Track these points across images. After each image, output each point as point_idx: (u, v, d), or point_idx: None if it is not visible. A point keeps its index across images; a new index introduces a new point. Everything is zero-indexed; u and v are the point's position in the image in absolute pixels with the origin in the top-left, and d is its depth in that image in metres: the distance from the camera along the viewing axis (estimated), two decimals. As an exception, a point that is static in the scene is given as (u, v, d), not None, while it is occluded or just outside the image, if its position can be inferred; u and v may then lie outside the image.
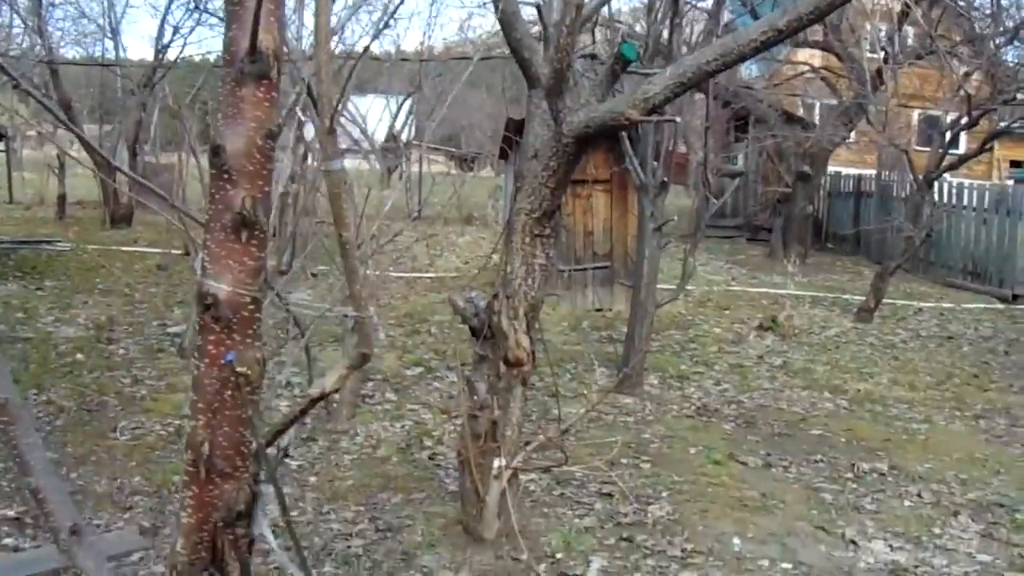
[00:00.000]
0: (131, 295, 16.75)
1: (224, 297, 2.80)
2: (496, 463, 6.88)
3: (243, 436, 2.91)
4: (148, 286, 17.88)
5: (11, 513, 7.70)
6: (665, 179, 11.52)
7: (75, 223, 27.63)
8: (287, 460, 8.18)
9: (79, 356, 12.47)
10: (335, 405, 10.39)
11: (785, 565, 6.84)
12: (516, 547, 6.77)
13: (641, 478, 8.55)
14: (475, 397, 7.07)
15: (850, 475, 8.95)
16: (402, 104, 33.46)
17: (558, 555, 6.93)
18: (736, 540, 7.26)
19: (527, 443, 7.18)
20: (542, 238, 6.64)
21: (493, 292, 6.94)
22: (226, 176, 2.75)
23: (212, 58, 32.22)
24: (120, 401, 10.57)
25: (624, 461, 8.95)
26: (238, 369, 2.75)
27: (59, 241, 23.49)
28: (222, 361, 2.77)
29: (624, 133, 11.70)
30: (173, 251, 20.33)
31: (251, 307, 2.85)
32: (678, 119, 10.57)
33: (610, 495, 8.06)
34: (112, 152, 27.15)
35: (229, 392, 2.85)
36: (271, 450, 3.52)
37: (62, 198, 28.60)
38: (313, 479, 8.66)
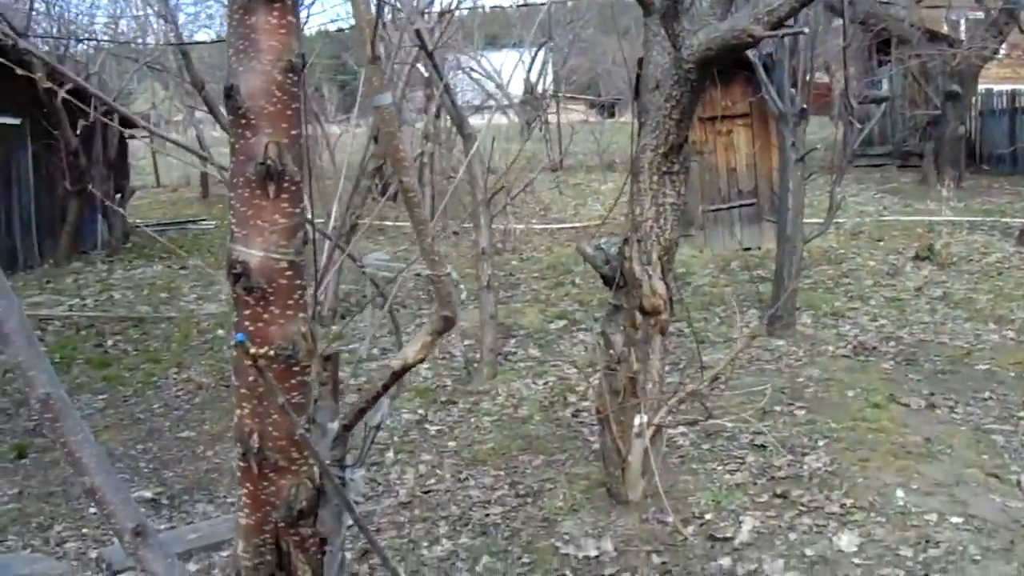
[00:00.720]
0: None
1: (256, 264, 2.36)
2: (637, 420, 6.43)
3: (303, 425, 2.52)
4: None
5: (148, 494, 7.60)
6: (804, 106, 10.86)
7: (219, 201, 28.00)
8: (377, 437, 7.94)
9: (220, 332, 12.45)
10: (475, 365, 10.10)
11: (955, 519, 6.22)
12: (662, 509, 6.34)
13: (796, 427, 8.02)
14: (611, 351, 6.65)
15: (1023, 414, 8.25)
16: (535, 55, 33.04)
17: (707, 516, 6.48)
18: (900, 492, 6.66)
19: (672, 395, 6.72)
20: (671, 175, 6.15)
21: (624, 237, 6.48)
22: (244, 121, 2.30)
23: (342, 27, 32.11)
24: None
25: (777, 409, 8.42)
26: (252, 350, 2.32)
27: (203, 220, 23.80)
28: (237, 340, 2.35)
29: (759, 61, 11.07)
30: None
31: (289, 273, 2.42)
32: (806, 29, 9.87)
33: (763, 447, 7.55)
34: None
35: (273, 375, 2.45)
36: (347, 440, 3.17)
37: (205, 178, 28.98)
38: (452, 444, 8.38)
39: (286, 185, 2.31)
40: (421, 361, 2.99)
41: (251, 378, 2.41)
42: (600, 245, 6.68)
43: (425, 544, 6.48)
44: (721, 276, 14.61)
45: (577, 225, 20.14)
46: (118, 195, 19.65)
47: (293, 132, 2.31)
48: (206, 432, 8.94)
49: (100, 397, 10.19)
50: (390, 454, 8.16)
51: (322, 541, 2.73)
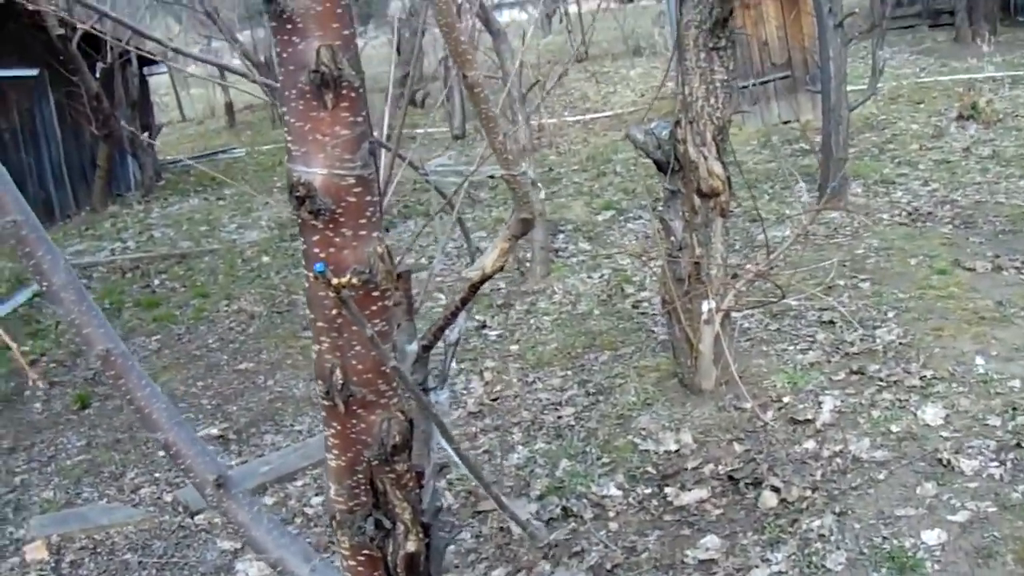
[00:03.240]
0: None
1: (320, 183, 2.12)
2: (705, 306, 6.27)
3: (384, 354, 2.33)
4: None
5: (215, 431, 7.55)
6: (840, -32, 10.49)
7: (246, 128, 27.88)
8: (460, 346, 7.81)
9: (265, 259, 12.36)
10: (528, 265, 9.96)
11: (1039, 384, 6.05)
12: (738, 395, 6.20)
13: (862, 299, 7.82)
14: (672, 238, 6.46)
15: (1093, 265, 8.01)
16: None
17: (785, 399, 6.33)
18: (979, 359, 6.47)
19: (735, 278, 6.54)
20: (718, 51, 5.89)
21: (675, 119, 6.24)
22: (290, 26, 2.06)
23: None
24: (309, 298, 10.37)
25: (841, 283, 8.22)
26: (334, 281, 2.12)
27: (233, 148, 23.67)
28: (316, 270, 2.14)
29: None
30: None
31: (358, 190, 2.20)
32: None
33: (832, 323, 7.37)
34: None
35: (352, 302, 2.25)
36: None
37: (230, 106, 28.79)
38: (515, 347, 8.27)
39: (345, 92, 2.10)
40: (501, 269, 2.81)
41: (330, 310, 2.24)
42: (651, 130, 6.45)
43: (500, 453, 6.38)
44: (763, 152, 14.31)
45: (610, 113, 19.82)
46: (145, 133, 19.48)
47: (346, 32, 2.09)
48: (264, 361, 8.86)
49: (154, 338, 10.12)
50: (453, 364, 8.03)
51: (419, 475, 2.57)
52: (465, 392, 7.51)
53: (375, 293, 2.27)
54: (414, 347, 2.92)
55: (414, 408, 3.00)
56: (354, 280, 2.15)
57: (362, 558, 2.59)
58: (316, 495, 6.22)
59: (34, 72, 17.27)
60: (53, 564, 5.97)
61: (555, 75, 13.33)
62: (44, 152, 17.66)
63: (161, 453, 7.22)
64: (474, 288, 2.80)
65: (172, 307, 11.04)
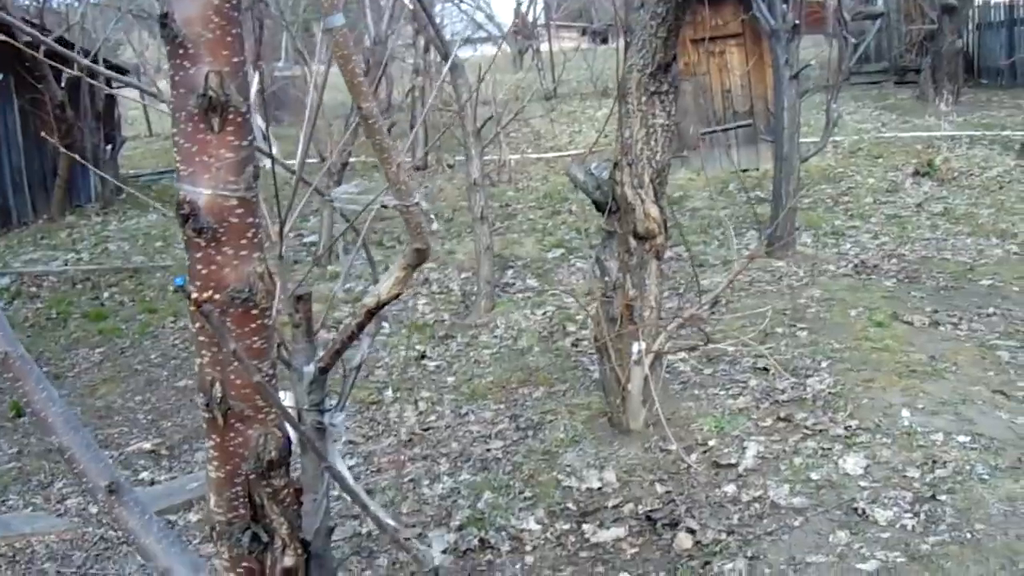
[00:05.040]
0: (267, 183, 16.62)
1: (205, 203, 2.18)
2: (635, 347, 6.33)
3: (260, 371, 2.38)
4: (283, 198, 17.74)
5: (147, 446, 7.53)
6: (797, 22, 10.64)
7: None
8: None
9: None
10: (472, 298, 10.01)
11: (962, 438, 6.08)
12: (664, 437, 6.25)
13: (798, 348, 7.90)
14: (606, 278, 6.53)
15: (1028, 328, 8.12)
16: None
17: (710, 442, 6.39)
18: (905, 412, 6.53)
19: (671, 321, 6.61)
20: (659, 95, 5.97)
21: (614, 161, 6.32)
22: (183, 50, 2.12)
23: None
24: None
25: (779, 331, 8.31)
26: (193, 295, 2.17)
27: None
28: (176, 284, 2.20)
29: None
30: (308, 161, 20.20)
31: (240, 211, 2.26)
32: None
33: (765, 370, 7.43)
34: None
35: (230, 320, 2.30)
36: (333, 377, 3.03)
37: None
38: (451, 379, 8.31)
39: (231, 117, 2.15)
40: (396, 297, 2.86)
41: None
42: (591, 170, 6.53)
43: (426, 482, 6.41)
44: (718, 198, 14.45)
45: (572, 153, 19.92)
46: (108, 146, 19.44)
47: (235, 60, 2.15)
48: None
49: (97, 351, 10.10)
50: (389, 392, 8.09)
51: (297, 491, 2.61)
52: (398, 420, 7.53)
53: (254, 311, 2.32)
54: (311, 368, 2.96)
55: (307, 425, 3.05)
56: (228, 296, 2.20)
57: (241, 570, 2.62)
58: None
59: (-1, 76, 17.23)
60: (-34, 571, 5.93)
61: (514, 111, 13.46)
62: (4, 158, 17.55)
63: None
64: (370, 313, 2.85)
65: (119, 320, 11.02)
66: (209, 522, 2.60)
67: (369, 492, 6.31)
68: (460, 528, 5.72)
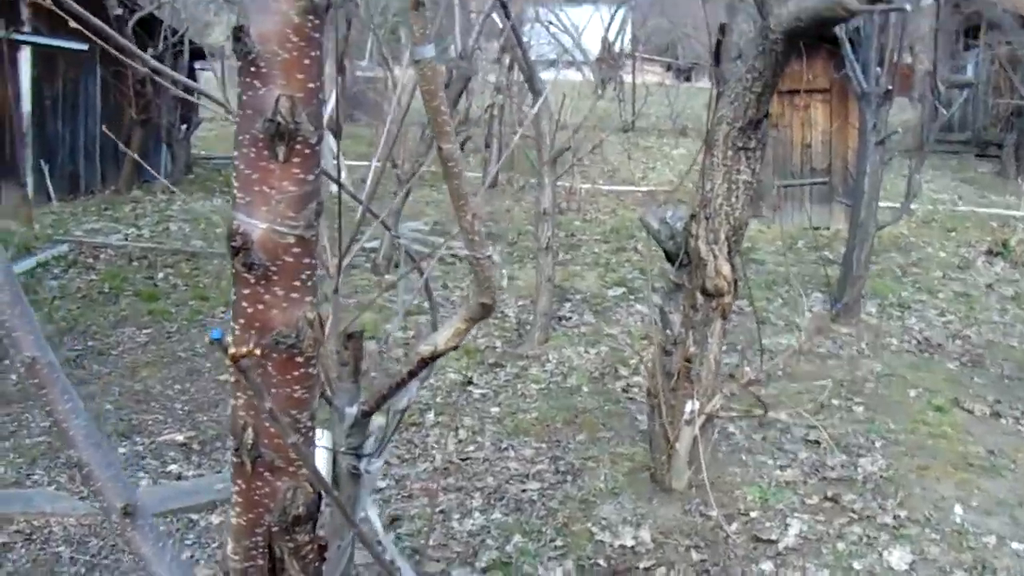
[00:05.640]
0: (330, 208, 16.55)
1: (259, 237, 2.03)
2: (689, 406, 6.13)
3: (298, 422, 2.21)
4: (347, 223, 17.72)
5: (180, 438, 7.41)
6: (890, 87, 10.39)
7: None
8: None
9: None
10: (528, 328, 9.84)
11: (1016, 545, 5.84)
12: (706, 502, 6.04)
13: (853, 424, 7.67)
14: (668, 331, 6.33)
15: (1096, 429, 7.82)
16: (615, 13, 32.49)
17: (752, 513, 6.16)
18: (958, 508, 6.28)
19: (727, 382, 6.41)
20: (747, 151, 5.78)
21: (691, 212, 6.13)
22: (254, 68, 1.96)
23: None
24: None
25: (835, 403, 8.07)
26: (230, 350, 2.01)
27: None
28: (211, 337, 2.01)
29: (846, 37, 10.60)
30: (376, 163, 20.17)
31: (296, 250, 2.09)
32: (908, 6, 9.35)
33: (817, 443, 7.21)
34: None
35: (272, 366, 2.13)
36: (379, 419, 2.85)
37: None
38: (496, 410, 8.13)
39: (299, 147, 1.99)
40: (453, 349, 2.68)
41: (259, 369, 2.13)
42: (666, 219, 6.34)
43: (457, 516, 6.23)
44: (787, 254, 14.18)
45: (644, 189, 19.71)
46: (184, 126, 19.51)
47: (311, 85, 1.98)
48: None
49: (144, 331, 10.01)
50: (431, 415, 7.92)
51: (322, 548, 2.43)
52: (436, 446, 7.36)
53: (299, 359, 2.15)
54: (354, 410, 2.79)
55: (341, 472, 2.88)
56: (256, 350, 2.03)
57: None
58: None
59: (85, 47, 17.31)
60: (-16, 545, 5.84)
61: (591, 143, 13.28)
62: (81, 126, 17.67)
63: (122, 450, 7.13)
64: (423, 363, 2.68)
65: (170, 303, 10.95)
66: (224, 567, 2.43)
67: (397, 519, 6.16)
68: (485, 570, 5.55)
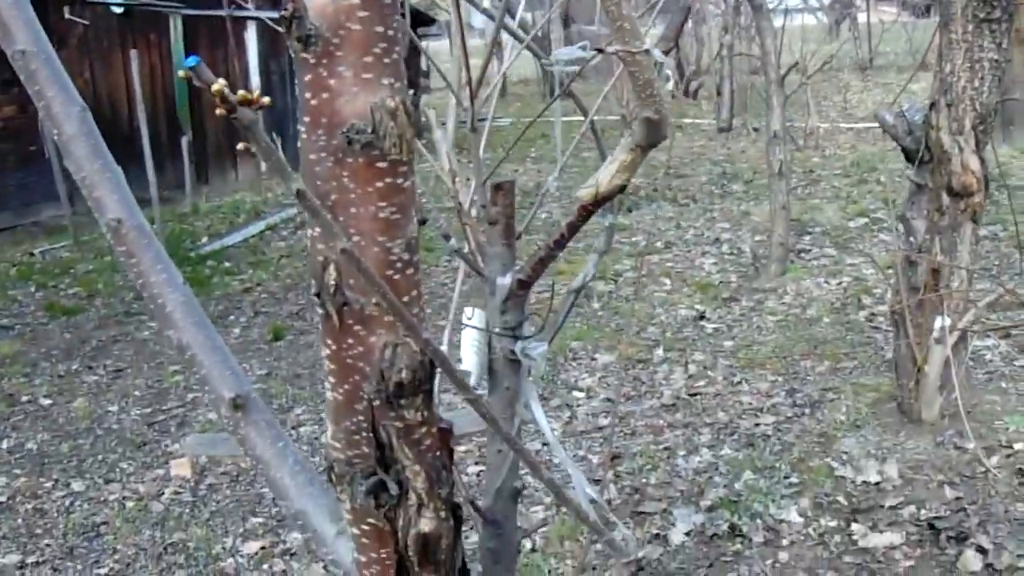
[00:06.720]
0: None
1: (316, 3, 1.53)
2: (938, 322, 5.39)
3: (392, 252, 1.66)
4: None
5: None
6: None
7: (516, 99, 28.09)
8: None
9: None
10: (763, 261, 9.20)
11: None
12: (961, 432, 5.29)
13: None
14: (911, 239, 5.63)
15: None
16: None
17: (1016, 446, 5.36)
18: None
19: (983, 296, 5.64)
20: (990, 23, 4.98)
21: (930, 101, 5.38)
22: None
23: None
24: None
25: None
26: (215, 87, 1.36)
27: (499, 118, 23.79)
28: (185, 65, 1.41)
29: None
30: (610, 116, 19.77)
31: (363, 14, 1.46)
32: None
33: (1091, 367, 6.33)
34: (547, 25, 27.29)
35: (346, 174, 1.57)
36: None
37: (503, 77, 29.23)
38: (729, 343, 7.58)
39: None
40: (621, 189, 2.07)
41: (327, 179, 1.59)
42: (902, 111, 5.61)
43: (682, 453, 5.72)
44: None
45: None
46: (411, 91, 19.53)
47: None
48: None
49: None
50: (659, 351, 7.42)
51: (444, 433, 1.91)
52: (664, 382, 6.86)
53: (380, 163, 1.62)
54: (507, 280, 2.25)
55: (497, 358, 2.39)
56: (328, 139, 1.51)
57: (367, 527, 1.95)
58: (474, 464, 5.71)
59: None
60: (193, 483, 5.85)
61: (818, 65, 12.43)
62: (304, 99, 18.00)
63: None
64: (585, 210, 2.10)
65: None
66: (327, 459, 1.96)
67: (617, 457, 5.70)
68: (710, 509, 5.02)
